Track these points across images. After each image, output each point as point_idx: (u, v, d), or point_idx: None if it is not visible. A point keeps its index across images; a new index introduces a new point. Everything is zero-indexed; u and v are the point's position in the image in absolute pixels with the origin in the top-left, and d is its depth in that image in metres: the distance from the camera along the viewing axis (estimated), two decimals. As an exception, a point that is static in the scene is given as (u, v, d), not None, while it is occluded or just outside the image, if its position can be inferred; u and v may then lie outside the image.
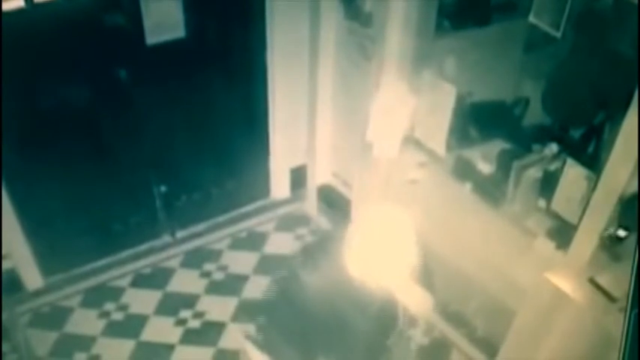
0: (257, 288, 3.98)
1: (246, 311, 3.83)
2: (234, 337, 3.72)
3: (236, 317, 3.85)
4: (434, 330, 3.70)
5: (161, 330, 3.78)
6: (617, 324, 2.11)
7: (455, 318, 3.70)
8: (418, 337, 3.66)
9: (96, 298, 3.94)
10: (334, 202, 4.38)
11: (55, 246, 3.88)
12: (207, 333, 3.78)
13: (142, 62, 3.60)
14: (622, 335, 1.97)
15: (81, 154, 3.70)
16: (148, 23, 3.49)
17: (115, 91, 3.63)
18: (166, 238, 4.25)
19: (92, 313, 3.86)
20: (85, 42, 3.39)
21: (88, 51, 3.42)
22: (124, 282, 4.03)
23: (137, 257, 4.15)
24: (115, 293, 3.97)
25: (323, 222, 4.40)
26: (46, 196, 3.67)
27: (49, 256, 3.88)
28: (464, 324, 3.68)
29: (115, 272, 4.07)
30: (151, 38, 3.54)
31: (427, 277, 3.21)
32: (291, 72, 4.06)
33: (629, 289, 1.94)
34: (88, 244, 4.00)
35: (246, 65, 4.03)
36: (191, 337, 3.75)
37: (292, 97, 4.15)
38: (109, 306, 3.90)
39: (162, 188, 4.06)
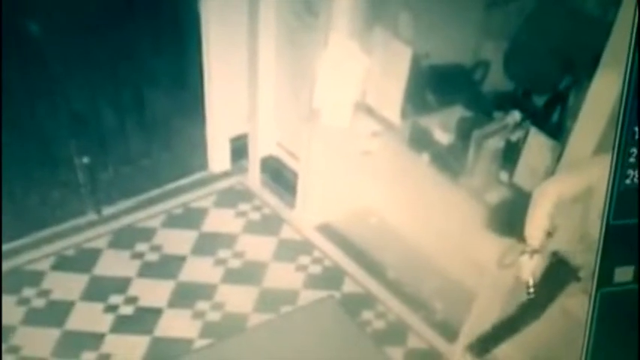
0: (195, 270, 3.97)
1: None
2: (172, 324, 3.71)
3: (173, 302, 3.83)
4: (389, 313, 3.77)
5: (89, 318, 3.74)
6: (581, 304, 2.18)
7: (412, 300, 3.77)
8: (373, 321, 3.72)
9: (13, 283, 3.85)
10: (279, 176, 4.40)
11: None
12: (141, 320, 3.75)
13: (56, 14, 3.50)
14: (587, 316, 2.04)
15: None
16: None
17: (25, 47, 3.52)
18: (91, 216, 4.19)
19: (9, 300, 3.77)
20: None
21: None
22: (45, 265, 3.97)
23: (58, 237, 4.08)
24: (35, 277, 3.90)
25: (267, 197, 4.40)
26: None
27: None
28: (421, 306, 3.75)
29: (33, 254, 4.00)
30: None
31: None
32: (228, 27, 4.01)
33: (595, 268, 2.01)
34: (1, 223, 3.90)
35: (176, 18, 3.95)
36: (123, 325, 3.72)
37: (230, 57, 4.10)
38: (29, 292, 3.83)
39: (85, 159, 3.99)
